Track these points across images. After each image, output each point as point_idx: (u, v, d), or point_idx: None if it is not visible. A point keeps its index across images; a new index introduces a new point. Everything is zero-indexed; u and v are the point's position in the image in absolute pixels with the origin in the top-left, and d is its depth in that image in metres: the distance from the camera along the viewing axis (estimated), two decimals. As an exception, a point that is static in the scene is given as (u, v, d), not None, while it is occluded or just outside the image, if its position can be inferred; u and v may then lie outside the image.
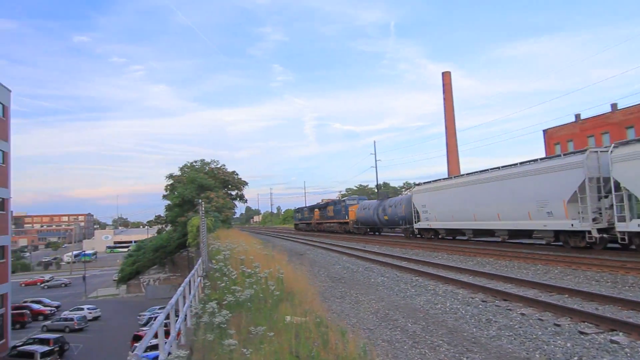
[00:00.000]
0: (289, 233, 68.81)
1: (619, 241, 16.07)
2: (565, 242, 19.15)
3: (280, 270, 13.11)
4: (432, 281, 15.62)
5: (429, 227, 29.88)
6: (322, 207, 59.80)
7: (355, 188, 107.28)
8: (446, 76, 65.38)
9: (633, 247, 16.07)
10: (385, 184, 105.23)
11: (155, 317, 42.43)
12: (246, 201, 67.98)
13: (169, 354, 6.13)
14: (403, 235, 35.72)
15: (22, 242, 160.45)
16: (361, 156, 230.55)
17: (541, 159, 20.66)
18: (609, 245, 17.77)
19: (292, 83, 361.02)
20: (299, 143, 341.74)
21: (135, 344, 32.08)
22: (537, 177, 19.76)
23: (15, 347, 33.88)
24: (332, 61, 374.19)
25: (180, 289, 8.58)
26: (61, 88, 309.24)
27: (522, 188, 20.57)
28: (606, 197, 16.89)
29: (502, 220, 22.16)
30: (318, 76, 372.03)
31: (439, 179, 30.43)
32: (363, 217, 43.60)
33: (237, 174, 65.23)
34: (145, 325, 41.29)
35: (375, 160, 64.75)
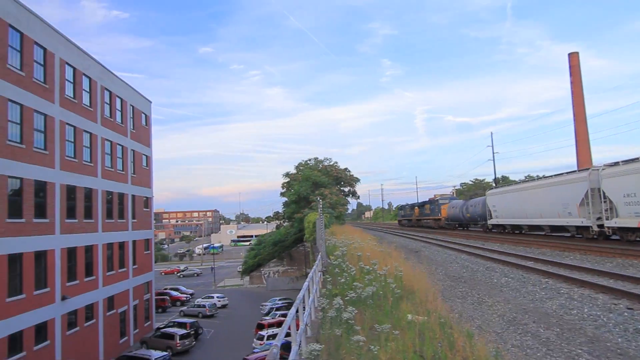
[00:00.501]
0: (395, 228, 68.49)
1: (607, 234, 22.39)
2: (580, 234, 25.20)
3: (399, 268, 13.06)
4: (565, 284, 14.36)
5: (497, 223, 36.29)
6: (421, 205, 63.71)
7: (470, 183, 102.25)
8: (573, 57, 59.20)
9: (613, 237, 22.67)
10: (505, 177, 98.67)
11: (276, 307, 44.93)
12: (358, 197, 68.68)
13: (300, 344, 6.48)
14: (482, 229, 41.39)
15: (161, 235, 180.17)
16: (477, 149, 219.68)
17: (565, 173, 26.86)
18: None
19: (402, 77, 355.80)
20: (409, 137, 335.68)
21: (260, 332, 34.36)
22: (561, 187, 25.97)
23: (159, 328, 38.36)
24: (443, 51, 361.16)
25: (305, 284, 9.02)
26: (190, 96, 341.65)
27: (553, 194, 26.66)
28: (604, 202, 22.10)
29: (544, 218, 28.32)
30: (428, 68, 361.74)
31: (505, 184, 37.93)
32: (452, 215, 49.23)
33: (349, 171, 66.19)
34: (267, 314, 44.03)
35: (493, 153, 60.99)
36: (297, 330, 6.68)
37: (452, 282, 16.84)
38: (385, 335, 6.70)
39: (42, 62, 25.69)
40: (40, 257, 24.76)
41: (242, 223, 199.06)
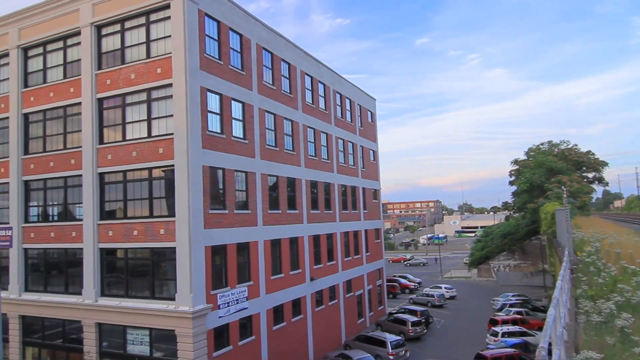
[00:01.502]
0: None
1: None
2: None
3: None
4: None
5: None
6: None
7: None
8: None
9: None
10: None
11: (510, 304, 42.15)
12: (607, 184, 58.88)
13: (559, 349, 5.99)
14: None
15: (387, 225, 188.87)
16: None
17: None
18: None
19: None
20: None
21: (493, 327, 32.84)
22: None
23: (391, 313, 40.44)
24: None
25: (559, 283, 8.24)
26: (408, 89, 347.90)
27: None
28: None
29: None
30: None
31: None
32: None
33: (592, 154, 57.35)
34: (500, 310, 41.75)
35: None
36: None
37: None
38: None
39: (287, 76, 29.86)
40: (293, 242, 28.93)
41: (465, 214, 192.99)
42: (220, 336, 21.63)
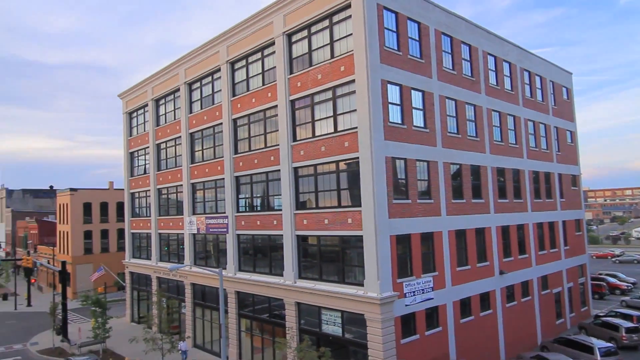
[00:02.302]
0: None
1: None
2: None
3: None
4: None
5: None
6: None
7: None
8: None
9: None
10: None
11: None
12: None
13: None
14: None
15: (588, 215, 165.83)
16: None
17: None
18: None
19: None
20: None
21: None
22: None
23: (598, 316, 35.43)
24: None
25: None
26: (610, 58, 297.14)
27: None
28: None
29: None
30: None
31: None
32: None
33: None
34: None
35: None
36: None
37: None
38: None
39: (468, 59, 28.43)
40: (479, 233, 27.58)
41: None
42: (407, 324, 21.98)
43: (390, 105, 22.36)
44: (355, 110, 21.95)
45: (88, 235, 60.17)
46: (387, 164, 21.75)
